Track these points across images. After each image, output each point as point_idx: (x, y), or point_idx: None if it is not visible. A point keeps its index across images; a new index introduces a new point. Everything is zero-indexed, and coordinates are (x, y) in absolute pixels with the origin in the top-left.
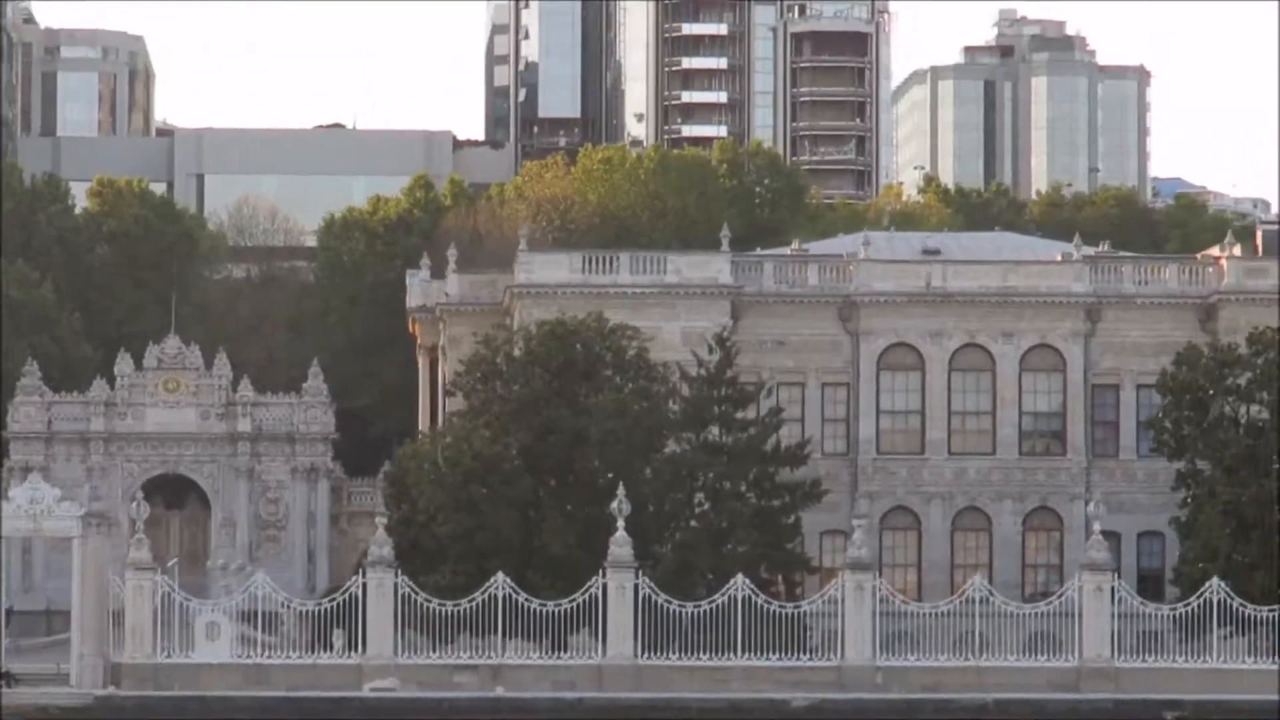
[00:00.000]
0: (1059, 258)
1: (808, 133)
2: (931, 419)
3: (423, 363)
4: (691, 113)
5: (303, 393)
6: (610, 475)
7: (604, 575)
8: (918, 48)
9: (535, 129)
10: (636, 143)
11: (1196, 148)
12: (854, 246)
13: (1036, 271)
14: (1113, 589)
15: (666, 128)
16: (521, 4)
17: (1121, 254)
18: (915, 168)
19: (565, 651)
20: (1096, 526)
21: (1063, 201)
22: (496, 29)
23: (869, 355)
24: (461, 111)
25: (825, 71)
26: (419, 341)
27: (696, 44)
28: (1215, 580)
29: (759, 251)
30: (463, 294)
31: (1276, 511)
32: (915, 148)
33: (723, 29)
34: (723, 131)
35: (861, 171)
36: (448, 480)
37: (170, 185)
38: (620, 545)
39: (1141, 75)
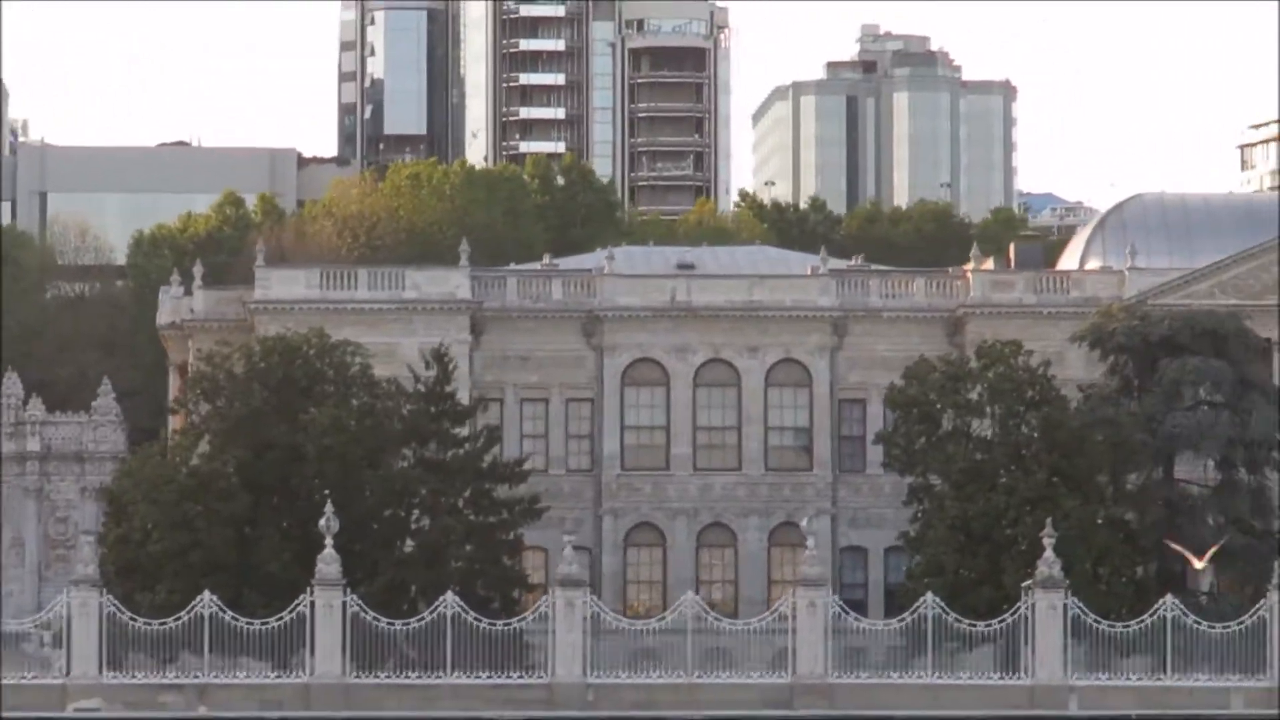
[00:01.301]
0: (810, 272)
1: (646, 149)
2: (676, 435)
3: (173, 379)
4: (530, 129)
5: (92, 411)
6: (327, 492)
7: (311, 593)
8: (780, 64)
9: (381, 146)
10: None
11: (1070, 162)
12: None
13: (783, 286)
14: (826, 605)
15: (505, 144)
16: (367, 21)
17: (872, 267)
18: (766, 183)
19: (287, 671)
20: (811, 542)
21: (880, 217)
22: (344, 45)
23: (613, 370)
24: (315, 129)
25: (664, 87)
26: (170, 358)
27: (535, 60)
28: (929, 595)
29: (512, 267)
30: (208, 310)
31: (1003, 526)
32: (778, 163)
33: (561, 45)
34: (561, 147)
35: (700, 187)
36: (162, 497)
37: (14, 204)
38: (328, 563)
39: (1007, 90)
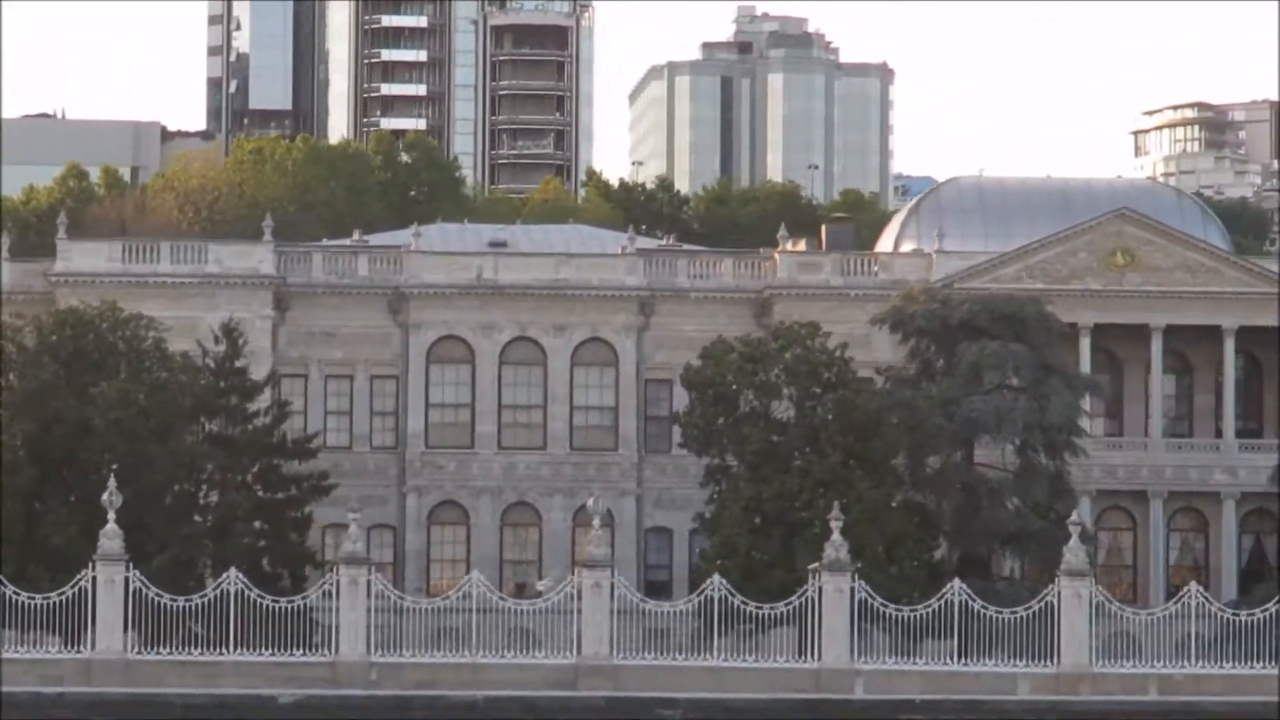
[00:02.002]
0: (620, 250)
1: (507, 126)
2: (481, 413)
3: None
4: (391, 105)
5: None
6: (115, 467)
7: (93, 569)
8: (658, 43)
9: (246, 120)
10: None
11: (953, 146)
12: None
13: (589, 264)
14: (611, 585)
15: (366, 120)
16: None
17: (683, 247)
18: (634, 163)
19: (72, 647)
20: (596, 522)
21: (728, 197)
22: (212, 20)
23: (418, 348)
24: (185, 103)
25: (525, 65)
26: None
27: (397, 36)
28: (716, 578)
29: (324, 242)
30: (14, 282)
31: (796, 508)
32: (653, 143)
33: (423, 21)
34: (422, 124)
35: (561, 165)
36: None
37: None
38: (110, 538)
39: (884, 73)
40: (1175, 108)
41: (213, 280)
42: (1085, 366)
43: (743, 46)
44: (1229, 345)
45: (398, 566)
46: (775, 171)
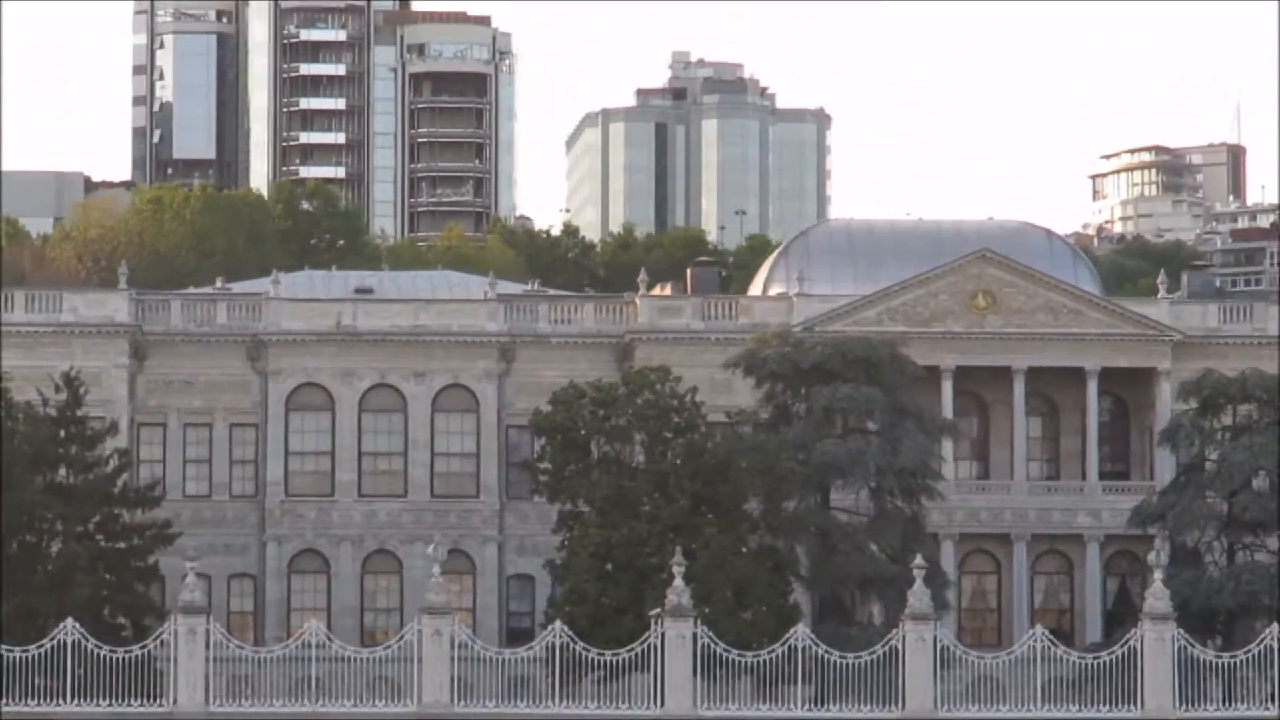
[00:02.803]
0: (484, 296)
1: (426, 174)
2: (341, 460)
3: None
4: (311, 153)
5: None
6: None
7: None
8: (594, 91)
9: (170, 170)
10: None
11: (888, 189)
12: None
13: (450, 310)
14: (452, 633)
15: (285, 168)
16: (157, 45)
17: (545, 291)
18: (561, 210)
19: None
20: (436, 570)
21: (633, 243)
22: (136, 69)
23: (278, 395)
24: (110, 153)
25: (444, 113)
26: None
27: (316, 84)
28: (557, 624)
29: (191, 290)
30: None
31: (646, 554)
32: (588, 190)
33: (342, 69)
34: (341, 173)
35: (480, 213)
36: None
37: None
38: None
39: (821, 118)
40: (1132, 151)
41: (67, 329)
42: (948, 409)
43: (677, 93)
44: (1092, 387)
45: (258, 615)
46: (710, 218)
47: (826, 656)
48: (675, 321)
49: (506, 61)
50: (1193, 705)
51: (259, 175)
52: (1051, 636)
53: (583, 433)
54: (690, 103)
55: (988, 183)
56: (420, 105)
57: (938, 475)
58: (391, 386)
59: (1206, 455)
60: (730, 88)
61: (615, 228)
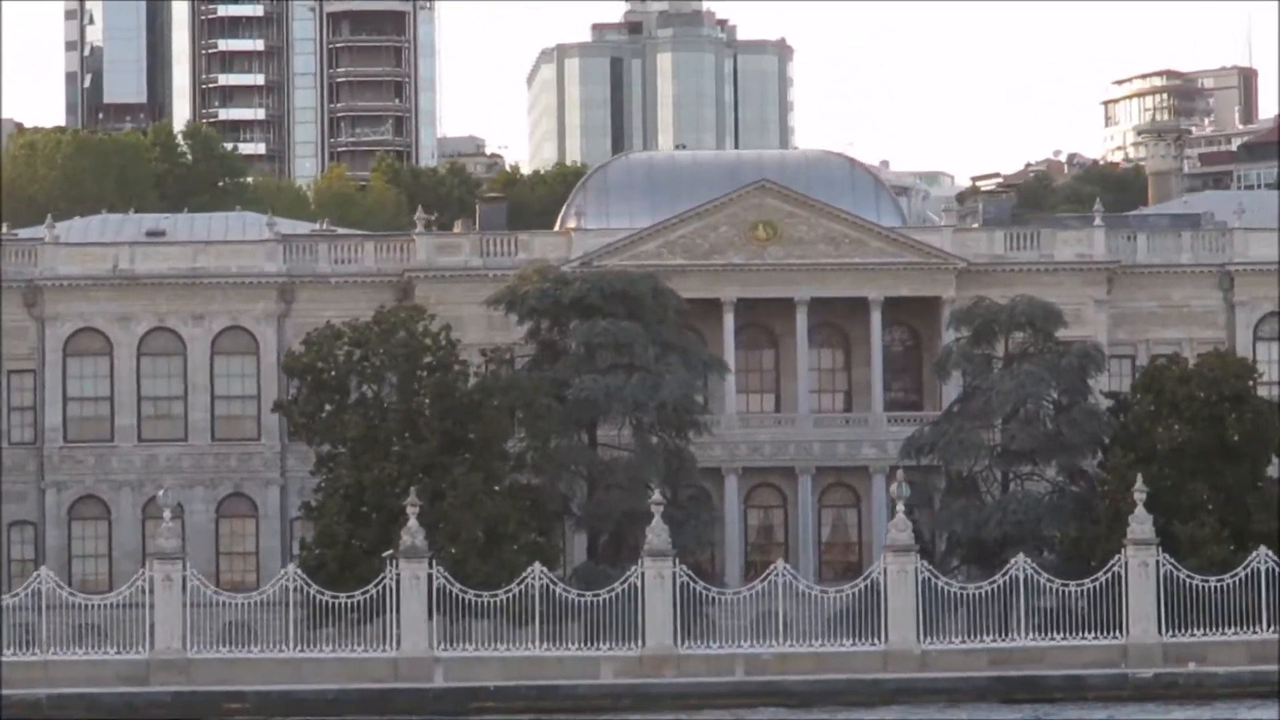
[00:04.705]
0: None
1: (346, 114)
2: (120, 405)
3: None
4: (231, 95)
5: None
6: None
7: None
8: (552, 26)
9: (101, 115)
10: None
11: (862, 122)
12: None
13: (228, 252)
14: (185, 578)
15: (206, 111)
16: None
17: (328, 230)
18: (500, 147)
19: None
20: (166, 514)
21: (519, 179)
22: (68, 15)
23: (55, 341)
24: (45, 98)
25: (363, 51)
26: None
27: (234, 26)
28: (290, 568)
29: None
30: None
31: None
32: (547, 126)
33: (259, 10)
34: (261, 115)
35: (401, 152)
36: None
37: None
38: None
39: (782, 50)
40: (1144, 76)
41: None
42: (729, 342)
43: (633, 27)
44: (876, 317)
45: (38, 563)
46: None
47: (564, 595)
48: (453, 259)
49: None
50: (937, 637)
51: (181, 118)
52: (793, 571)
53: (333, 374)
54: (646, 37)
55: (984, 116)
56: (339, 44)
57: (702, 409)
58: (170, 330)
59: (980, 384)
60: (686, 21)
61: (573, 162)
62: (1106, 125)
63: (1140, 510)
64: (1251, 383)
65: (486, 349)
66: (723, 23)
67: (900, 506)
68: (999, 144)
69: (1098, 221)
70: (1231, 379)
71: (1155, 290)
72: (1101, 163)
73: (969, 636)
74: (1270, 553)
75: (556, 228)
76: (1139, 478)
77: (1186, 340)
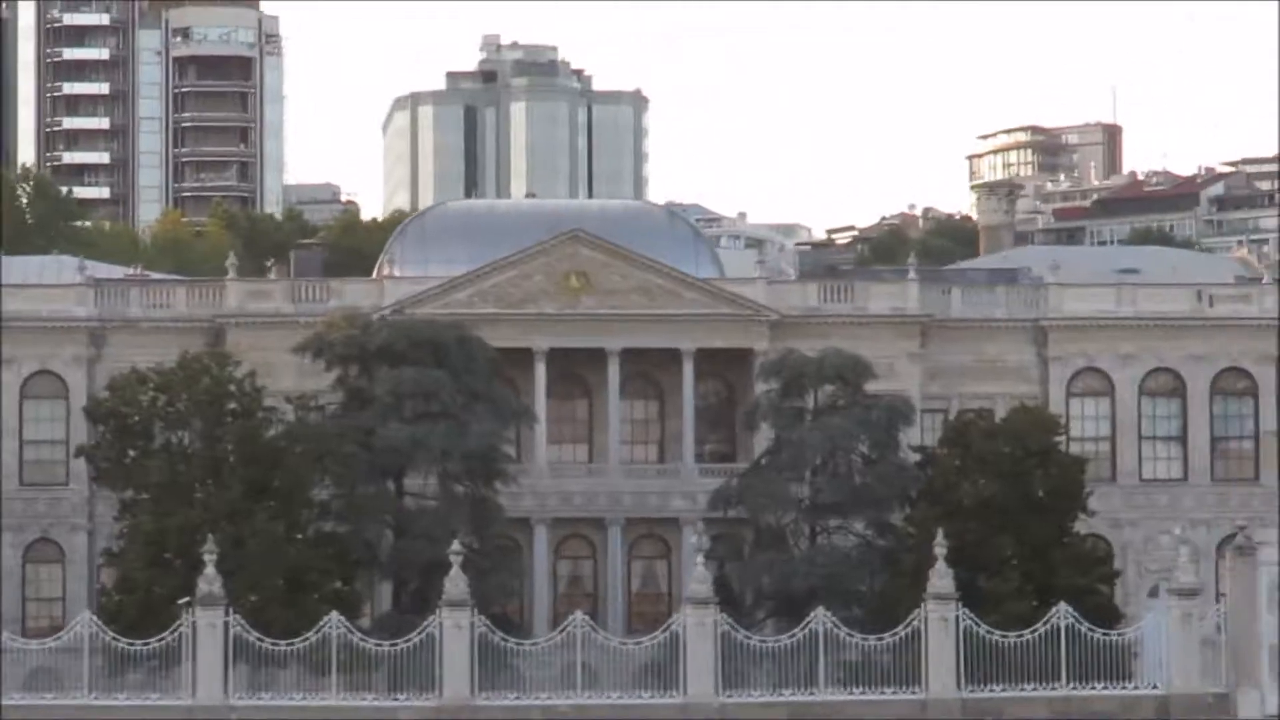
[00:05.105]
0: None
1: (190, 158)
2: None
3: None
4: (76, 139)
5: None
6: None
7: None
8: (406, 74)
9: None
10: None
11: (719, 174)
12: None
13: (39, 295)
14: None
15: (49, 154)
16: None
17: (141, 275)
18: (350, 194)
19: None
20: None
21: (359, 226)
22: None
23: None
24: None
25: (209, 96)
26: None
27: (80, 69)
28: (85, 614)
29: None
30: None
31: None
32: (400, 173)
33: (106, 54)
34: (106, 159)
35: (245, 197)
36: None
37: None
38: None
39: (638, 100)
40: (1008, 131)
41: None
42: (541, 392)
43: (487, 75)
44: (688, 368)
45: None
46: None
47: (361, 645)
48: (265, 305)
49: (273, 45)
50: (738, 690)
51: (26, 161)
52: (591, 622)
53: (137, 419)
54: (500, 85)
55: (849, 169)
56: (185, 89)
57: (511, 459)
58: None
59: (788, 437)
60: (541, 70)
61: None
62: (971, 179)
63: (941, 565)
64: (1058, 438)
65: (290, 396)
66: (578, 72)
67: (699, 559)
68: (863, 197)
69: (912, 275)
70: (1038, 434)
71: (969, 344)
72: (958, 217)
73: (772, 690)
74: (1070, 609)
75: (374, 275)
76: (939, 532)
77: (1000, 395)
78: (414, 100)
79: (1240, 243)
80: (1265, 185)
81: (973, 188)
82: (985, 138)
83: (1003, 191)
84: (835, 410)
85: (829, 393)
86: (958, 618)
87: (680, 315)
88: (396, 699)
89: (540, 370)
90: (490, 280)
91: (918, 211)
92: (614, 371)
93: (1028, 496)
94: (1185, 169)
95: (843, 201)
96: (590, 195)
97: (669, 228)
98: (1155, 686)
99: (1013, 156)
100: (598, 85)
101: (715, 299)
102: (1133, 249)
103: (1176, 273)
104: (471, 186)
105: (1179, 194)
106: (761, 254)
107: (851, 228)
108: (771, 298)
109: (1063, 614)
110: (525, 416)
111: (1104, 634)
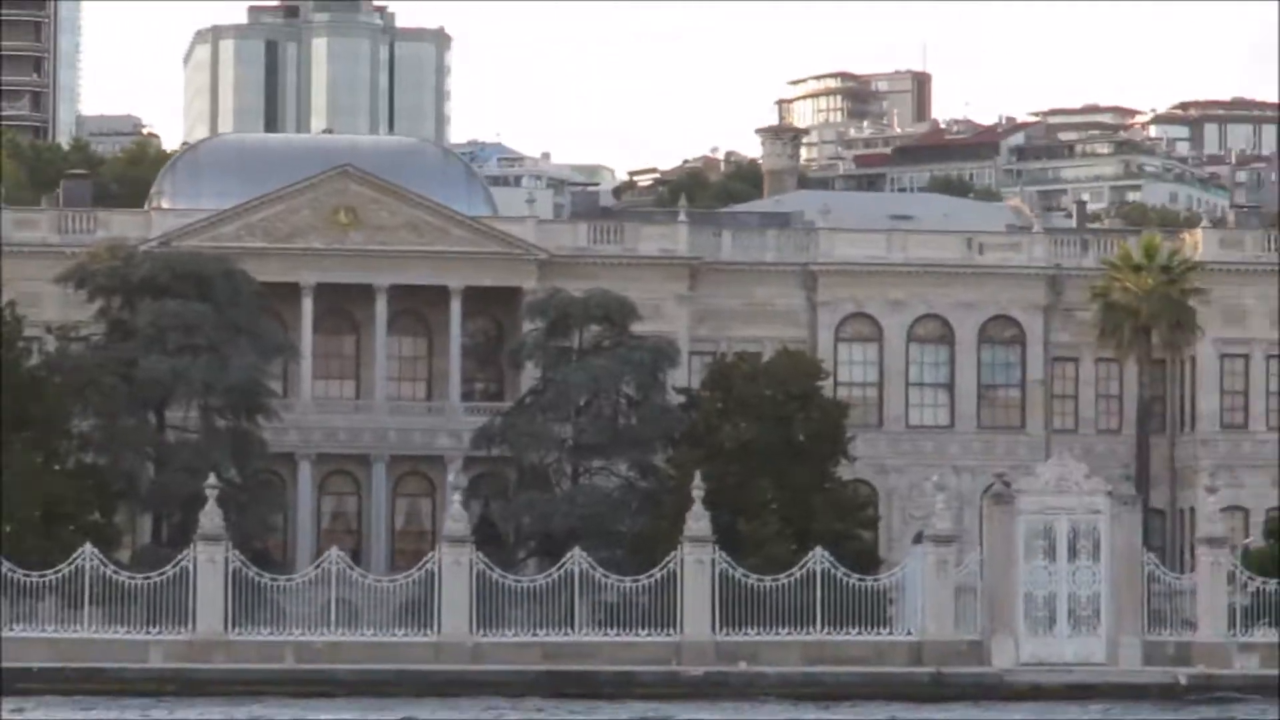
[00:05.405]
0: None
1: None
2: None
3: None
4: None
5: None
6: None
7: None
8: (208, 7)
9: None
10: None
11: (522, 114)
12: None
13: None
14: None
15: None
16: None
17: None
18: (143, 127)
19: None
20: None
21: (144, 158)
22: None
23: None
24: None
25: (2, 25)
26: None
27: None
28: None
29: None
30: None
31: None
32: (200, 107)
33: None
34: None
35: (38, 127)
36: None
37: None
38: None
39: (440, 38)
40: (819, 78)
41: None
42: (308, 327)
43: (289, 10)
44: (456, 306)
45: None
46: None
47: (115, 578)
48: (31, 234)
49: None
50: (491, 629)
51: None
52: (348, 559)
53: None
54: (302, 21)
55: (661, 112)
56: None
57: (274, 394)
58: None
59: (553, 376)
60: (342, 6)
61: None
62: (780, 124)
63: (698, 507)
64: (821, 383)
65: (51, 326)
66: (381, 9)
67: (456, 497)
68: (674, 140)
69: (682, 217)
70: (800, 378)
71: (739, 288)
72: (759, 161)
73: (528, 630)
74: (826, 554)
75: (146, 207)
76: (697, 474)
77: (769, 339)
78: (215, 33)
79: (1040, 193)
80: (1069, 136)
81: (756, 131)
82: (796, 83)
83: (787, 136)
84: (600, 351)
85: (595, 333)
86: (714, 560)
87: (449, 252)
88: (149, 633)
89: (307, 305)
90: (258, 214)
91: (720, 155)
92: (381, 308)
93: (788, 440)
94: (990, 119)
95: (653, 144)
96: (391, 132)
97: (442, 165)
98: (910, 633)
99: (823, 103)
100: (400, 22)
101: (484, 237)
102: (908, 195)
103: (949, 220)
104: (271, 121)
105: (979, 143)
106: (560, 195)
107: (654, 170)
108: (541, 237)
109: (819, 558)
110: (289, 351)
111: (859, 579)
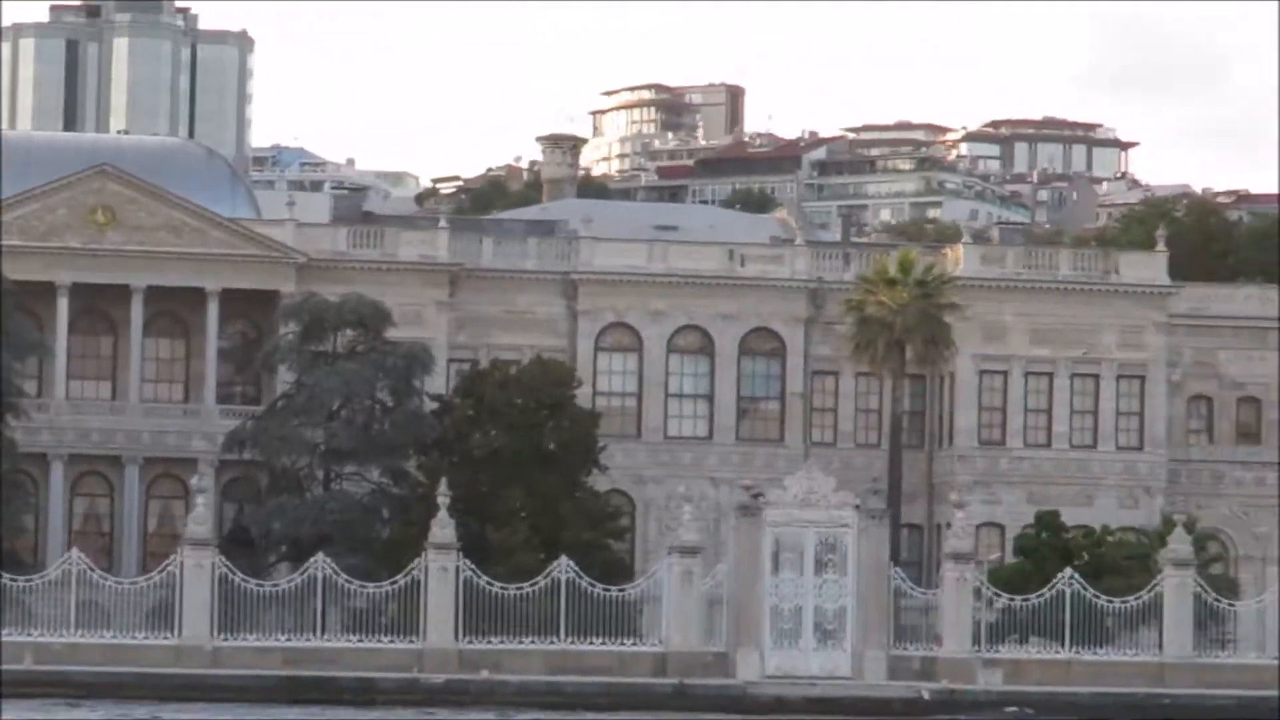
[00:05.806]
0: None
1: None
2: None
3: None
4: None
5: None
6: None
7: None
8: (9, 4)
9: None
10: None
11: (326, 119)
12: None
13: None
14: None
15: None
16: None
17: None
18: None
19: None
20: None
21: None
22: None
23: None
24: None
25: None
26: None
27: None
28: None
29: None
30: None
31: None
32: None
33: None
34: None
35: None
36: None
37: None
38: None
39: (243, 40)
40: (632, 89)
41: None
42: (63, 327)
43: (91, 10)
44: (213, 308)
45: None
46: None
47: None
48: None
49: None
50: (232, 634)
51: None
52: (88, 561)
53: None
54: (103, 20)
55: (472, 119)
56: None
57: (22, 393)
58: None
59: (306, 381)
60: (144, 7)
61: None
62: (595, 136)
63: (443, 514)
64: (573, 391)
65: None
66: (183, 11)
67: (200, 500)
68: (485, 148)
69: (443, 223)
70: (552, 386)
71: (499, 295)
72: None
73: (270, 636)
74: (571, 563)
75: None
76: (443, 481)
77: (528, 347)
78: (15, 31)
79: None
80: (877, 151)
81: (536, 139)
82: (610, 94)
83: (566, 144)
84: (354, 356)
85: (349, 338)
86: (458, 568)
87: (206, 254)
88: None
89: (63, 305)
90: (14, 212)
91: (523, 164)
92: (138, 309)
93: (539, 449)
94: (793, 133)
95: (463, 152)
96: (191, 135)
97: (206, 166)
98: (656, 644)
99: (636, 114)
100: (203, 24)
101: (243, 239)
102: (676, 206)
103: (714, 231)
104: (70, 121)
105: (781, 156)
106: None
107: (457, 177)
108: (300, 240)
109: (564, 568)
110: (42, 350)
111: (605, 589)
